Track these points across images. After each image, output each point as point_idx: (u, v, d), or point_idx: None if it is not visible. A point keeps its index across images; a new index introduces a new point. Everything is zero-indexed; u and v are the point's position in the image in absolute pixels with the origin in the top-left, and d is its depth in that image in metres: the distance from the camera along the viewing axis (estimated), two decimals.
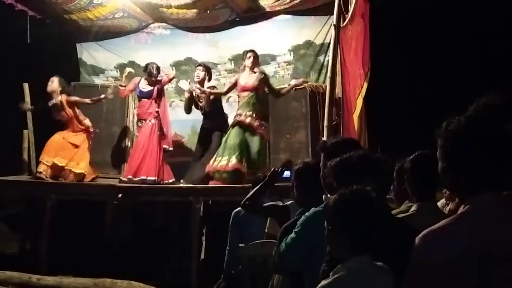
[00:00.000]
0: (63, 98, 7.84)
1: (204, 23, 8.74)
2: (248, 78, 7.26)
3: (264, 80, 7.29)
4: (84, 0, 7.90)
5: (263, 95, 7.43)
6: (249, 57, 7.30)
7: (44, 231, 7.20)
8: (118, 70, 9.70)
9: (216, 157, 7.16)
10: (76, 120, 7.92)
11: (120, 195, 7.08)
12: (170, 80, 8.06)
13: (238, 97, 7.78)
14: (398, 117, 7.22)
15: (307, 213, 3.04)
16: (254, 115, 7.24)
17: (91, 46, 9.49)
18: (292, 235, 3.02)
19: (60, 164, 7.71)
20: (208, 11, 8.20)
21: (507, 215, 1.70)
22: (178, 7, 8.01)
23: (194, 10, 8.14)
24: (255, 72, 7.28)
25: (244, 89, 7.29)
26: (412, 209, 2.99)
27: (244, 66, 7.37)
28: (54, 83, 7.87)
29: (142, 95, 7.84)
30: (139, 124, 7.94)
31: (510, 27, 6.72)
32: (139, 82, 7.88)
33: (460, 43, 7.29)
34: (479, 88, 2.31)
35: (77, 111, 7.96)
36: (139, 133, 7.93)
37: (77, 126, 7.92)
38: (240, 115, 7.24)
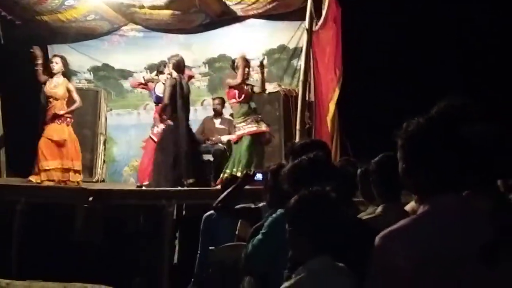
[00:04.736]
0: (64, 81, 7.65)
1: (178, 26, 8.72)
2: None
3: None
4: (55, 2, 7.80)
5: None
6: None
7: (14, 235, 7.07)
8: (91, 72, 9.61)
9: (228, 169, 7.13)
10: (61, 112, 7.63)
11: (90, 198, 6.99)
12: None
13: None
14: (371, 119, 7.27)
15: (273, 215, 3.04)
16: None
17: (63, 49, 9.25)
18: (259, 236, 3.03)
19: (66, 167, 7.59)
20: (182, 14, 8.18)
21: (465, 215, 1.71)
22: (151, 7, 7.97)
23: (167, 12, 8.12)
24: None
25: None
26: (378, 210, 3.01)
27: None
28: (58, 64, 7.63)
29: (157, 100, 7.72)
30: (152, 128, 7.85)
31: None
32: (155, 87, 7.79)
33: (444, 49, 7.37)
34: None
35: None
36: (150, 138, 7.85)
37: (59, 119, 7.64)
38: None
